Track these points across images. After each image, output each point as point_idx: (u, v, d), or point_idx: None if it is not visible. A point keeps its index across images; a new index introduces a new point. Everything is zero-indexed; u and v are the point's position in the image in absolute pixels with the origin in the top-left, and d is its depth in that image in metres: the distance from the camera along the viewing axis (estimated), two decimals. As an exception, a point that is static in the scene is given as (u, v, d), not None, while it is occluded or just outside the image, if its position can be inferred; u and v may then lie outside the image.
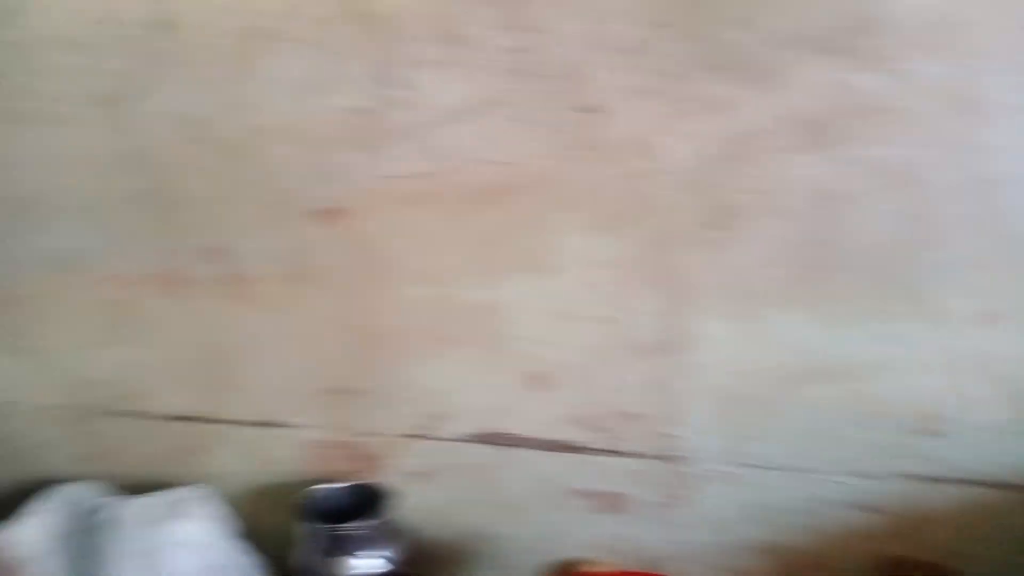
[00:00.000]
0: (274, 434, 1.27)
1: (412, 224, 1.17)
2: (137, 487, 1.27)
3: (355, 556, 1.10)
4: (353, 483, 1.22)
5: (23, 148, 1.23)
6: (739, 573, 1.21)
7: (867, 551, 1.16)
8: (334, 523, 1.12)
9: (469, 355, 1.19)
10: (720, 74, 1.04)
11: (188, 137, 1.19)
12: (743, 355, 1.12)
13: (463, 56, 1.11)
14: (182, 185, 1.20)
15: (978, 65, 1.00)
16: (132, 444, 1.31)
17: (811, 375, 1.11)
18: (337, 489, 1.21)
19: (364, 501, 1.17)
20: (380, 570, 1.11)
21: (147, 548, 1.17)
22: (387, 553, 1.11)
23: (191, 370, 1.27)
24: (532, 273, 1.15)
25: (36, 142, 1.22)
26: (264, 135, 1.17)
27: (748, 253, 1.09)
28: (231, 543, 1.21)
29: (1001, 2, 0.99)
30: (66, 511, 1.24)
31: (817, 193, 1.06)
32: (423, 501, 1.22)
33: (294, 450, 1.27)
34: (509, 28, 1.09)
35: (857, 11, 1.01)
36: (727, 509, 1.17)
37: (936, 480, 1.12)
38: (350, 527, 1.10)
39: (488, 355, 1.19)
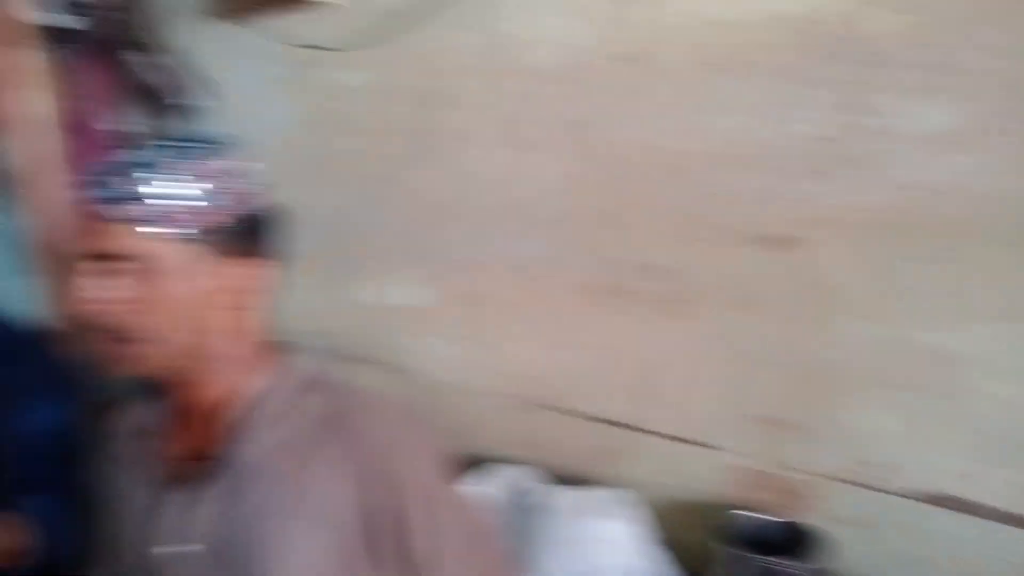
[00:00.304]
0: (695, 452, 1.29)
1: (869, 257, 1.11)
2: (563, 478, 1.38)
3: (784, 594, 1.08)
4: (781, 518, 1.19)
5: (499, 167, 1.40)
6: None
7: None
8: (756, 554, 1.11)
9: (921, 405, 1.10)
10: None
11: (643, 161, 1.25)
12: None
13: (947, 81, 1.02)
14: (633, 205, 1.28)
15: None
16: (562, 438, 1.43)
17: None
18: (762, 520, 1.19)
19: (790, 538, 1.14)
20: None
21: (574, 539, 1.26)
22: (821, 599, 1.07)
23: (622, 378, 1.35)
24: (1012, 323, 1.02)
25: (512, 162, 1.39)
26: (716, 160, 1.19)
27: None
28: (651, 549, 1.26)
29: None
30: (504, 488, 1.40)
31: None
32: (857, 553, 1.15)
33: (714, 472, 1.28)
34: (1009, 51, 0.97)
35: None
36: None
37: None
38: (785, 564, 1.08)
39: (944, 409, 1.08)
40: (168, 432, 0.97)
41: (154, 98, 1.97)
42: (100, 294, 0.85)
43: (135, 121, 2.03)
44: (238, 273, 0.89)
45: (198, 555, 0.88)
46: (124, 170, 0.85)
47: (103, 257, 0.85)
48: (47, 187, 1.84)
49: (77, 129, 2.07)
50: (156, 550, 0.90)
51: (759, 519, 1.19)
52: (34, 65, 1.82)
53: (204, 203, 0.85)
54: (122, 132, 1.99)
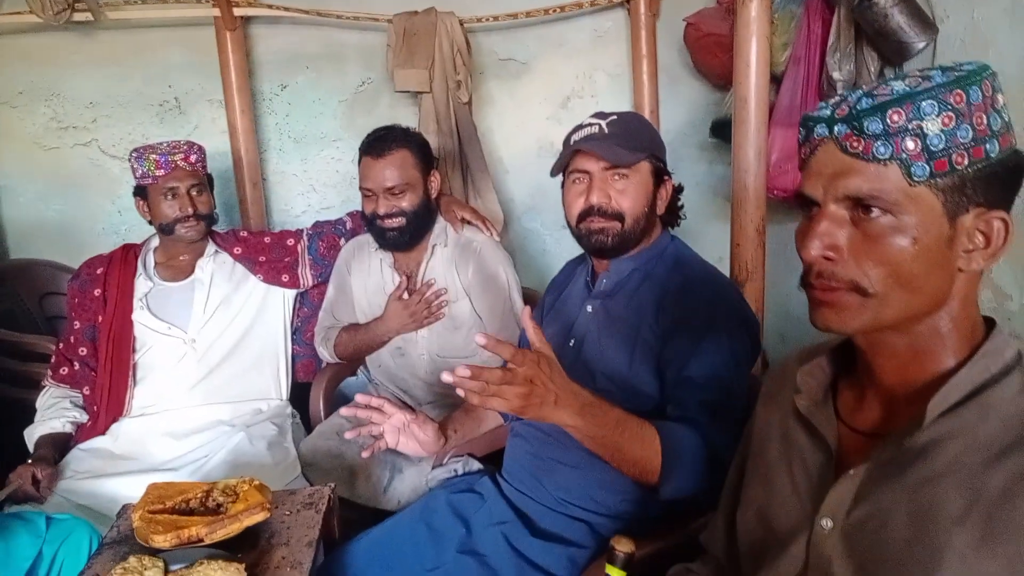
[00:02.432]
0: None
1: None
2: None
3: None
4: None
5: None
6: None
7: None
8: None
9: None
10: None
11: None
12: None
13: None
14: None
15: None
16: None
17: None
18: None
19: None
20: None
21: None
22: None
23: None
24: None
25: None
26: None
27: None
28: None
29: None
30: None
31: None
32: None
33: None
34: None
35: None
36: None
37: None
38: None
39: None
40: (846, 398, 0.90)
41: (885, 41, 1.92)
42: (830, 240, 0.78)
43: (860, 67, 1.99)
44: (972, 226, 0.76)
45: (828, 532, 0.83)
46: (889, 103, 0.75)
47: (847, 199, 0.77)
48: (758, 132, 1.89)
49: (795, 76, 2.14)
50: (820, 519, 0.84)
51: None
52: (764, 16, 1.86)
53: (966, 139, 0.74)
54: (842, 79, 2.01)
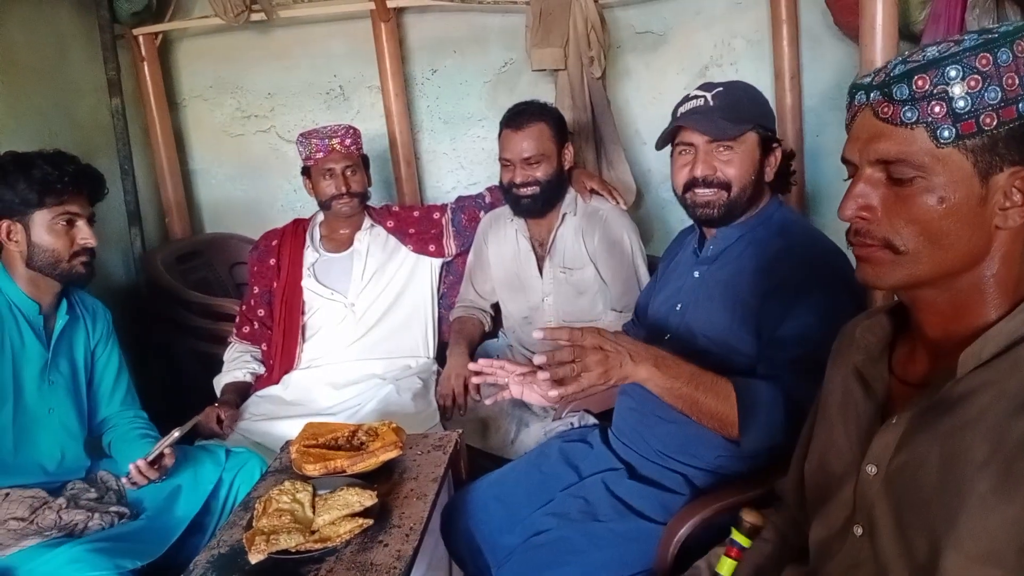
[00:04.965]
0: None
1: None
2: None
3: None
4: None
5: None
6: None
7: None
8: None
9: None
10: None
11: None
12: None
13: None
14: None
15: None
16: None
17: None
18: None
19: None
20: None
21: None
22: None
23: None
24: None
25: None
26: None
27: None
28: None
29: None
30: None
31: None
32: None
33: None
34: None
35: None
36: None
37: None
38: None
39: None
40: (901, 353, 0.95)
41: None
42: (864, 200, 0.85)
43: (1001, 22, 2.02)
44: (1008, 184, 0.79)
45: (872, 477, 0.89)
46: (916, 70, 0.80)
47: (879, 162, 0.83)
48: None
49: (935, 34, 2.11)
50: (866, 465, 0.89)
51: None
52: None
53: (994, 100, 0.77)
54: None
